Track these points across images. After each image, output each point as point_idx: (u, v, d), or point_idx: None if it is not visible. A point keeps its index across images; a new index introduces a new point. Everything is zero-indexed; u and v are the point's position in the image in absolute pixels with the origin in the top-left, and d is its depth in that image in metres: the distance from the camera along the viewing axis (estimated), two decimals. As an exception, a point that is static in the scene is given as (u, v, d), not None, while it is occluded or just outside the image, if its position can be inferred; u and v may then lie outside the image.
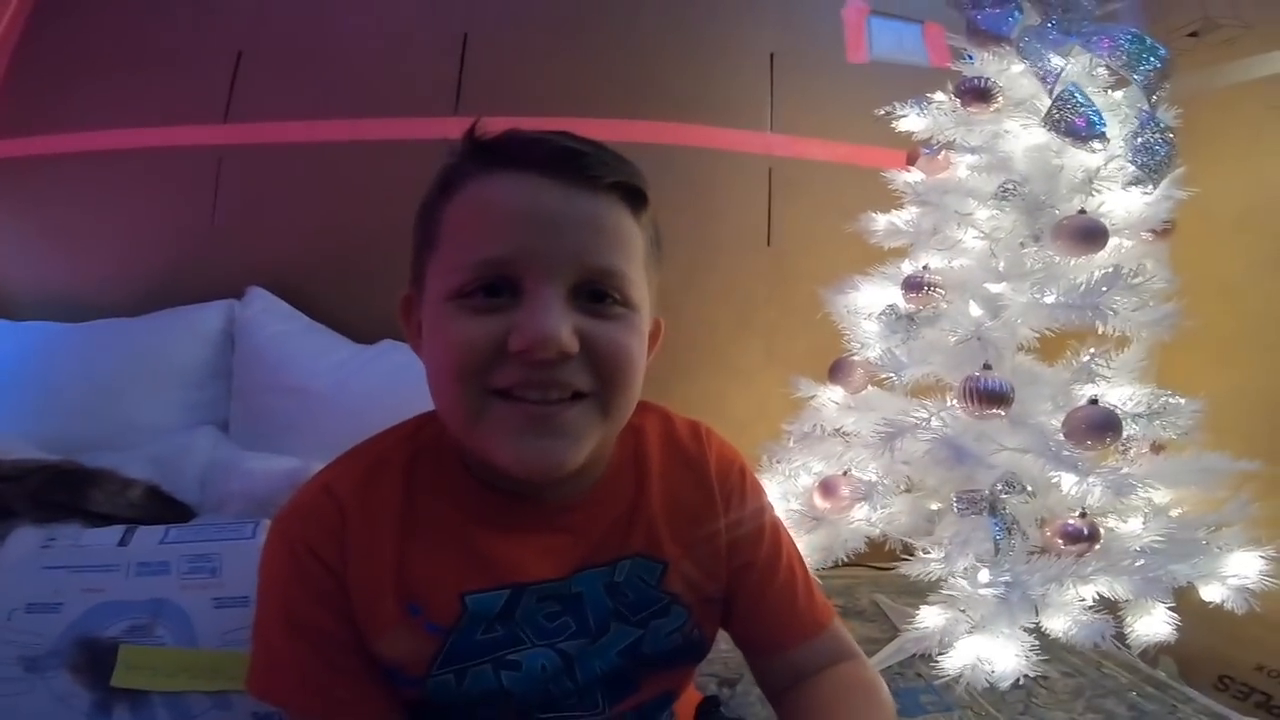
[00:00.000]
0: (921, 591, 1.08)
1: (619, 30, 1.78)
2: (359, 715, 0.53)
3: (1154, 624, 1.10)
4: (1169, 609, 1.12)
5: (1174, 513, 1.19)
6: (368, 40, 1.78)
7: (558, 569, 0.55)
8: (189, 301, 1.66)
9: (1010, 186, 1.14)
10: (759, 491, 0.64)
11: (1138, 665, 1.33)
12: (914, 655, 1.23)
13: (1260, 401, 1.30)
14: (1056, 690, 1.24)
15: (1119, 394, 1.16)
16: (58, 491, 1.20)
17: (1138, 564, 0.99)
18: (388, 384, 1.47)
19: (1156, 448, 1.19)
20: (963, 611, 1.01)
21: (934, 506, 1.31)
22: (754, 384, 1.73)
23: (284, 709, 0.53)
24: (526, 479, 0.50)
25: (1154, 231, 1.21)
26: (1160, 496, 1.17)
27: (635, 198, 0.52)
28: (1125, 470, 1.02)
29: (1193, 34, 1.42)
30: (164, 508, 1.25)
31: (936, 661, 1.04)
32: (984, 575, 0.99)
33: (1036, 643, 0.99)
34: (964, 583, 1.01)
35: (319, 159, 1.74)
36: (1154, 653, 1.29)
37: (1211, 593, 1.11)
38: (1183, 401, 1.14)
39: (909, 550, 1.32)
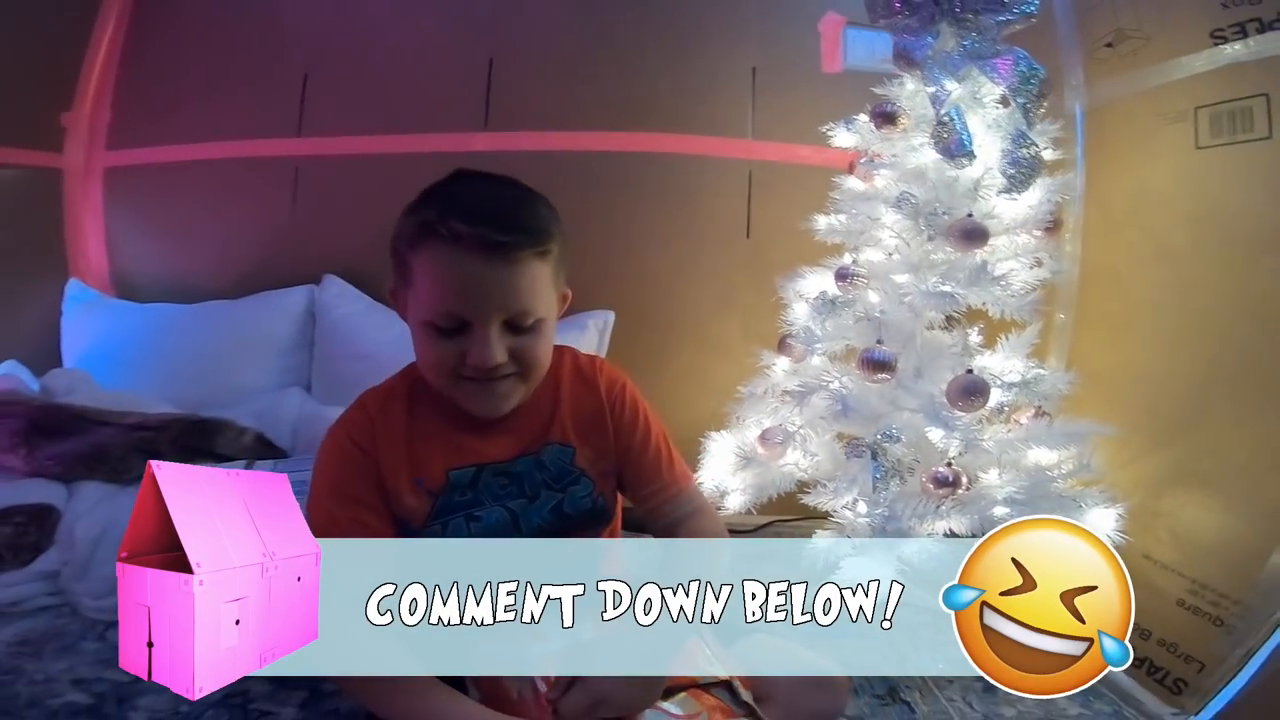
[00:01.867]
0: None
1: (617, 54, 2.06)
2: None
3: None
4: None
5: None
6: (411, 65, 2.11)
7: (505, 454, 0.90)
8: (277, 286, 2.01)
9: (905, 195, 1.39)
10: (635, 399, 0.96)
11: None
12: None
13: (1139, 377, 1.48)
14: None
15: (1002, 365, 1.39)
16: (193, 438, 1.58)
17: (981, 505, 1.24)
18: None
19: (1040, 414, 1.41)
20: (847, 537, 1.30)
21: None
22: (732, 357, 1.95)
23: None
24: (481, 418, 0.87)
25: (1044, 229, 1.43)
26: (1047, 457, 1.38)
27: (545, 248, 0.81)
28: (982, 428, 1.27)
29: (1109, 44, 1.57)
30: (269, 450, 1.62)
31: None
32: (862, 507, 1.28)
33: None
34: (849, 513, 1.30)
35: (376, 169, 2.09)
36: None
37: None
38: (1048, 374, 1.36)
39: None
